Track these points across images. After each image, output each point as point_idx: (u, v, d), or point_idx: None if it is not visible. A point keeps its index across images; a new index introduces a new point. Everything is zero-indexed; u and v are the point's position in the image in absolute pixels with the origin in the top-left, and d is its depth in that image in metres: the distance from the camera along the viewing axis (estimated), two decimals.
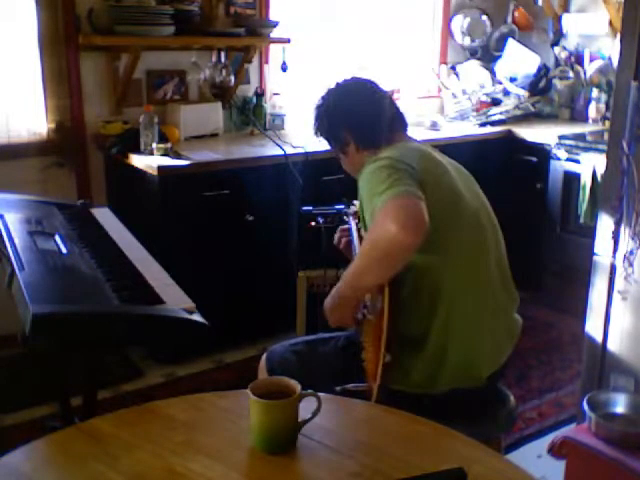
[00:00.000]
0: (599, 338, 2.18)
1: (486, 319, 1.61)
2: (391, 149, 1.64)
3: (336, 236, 1.97)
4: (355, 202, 1.90)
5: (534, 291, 3.64)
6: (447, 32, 4.36)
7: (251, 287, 3.09)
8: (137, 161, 2.90)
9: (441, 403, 1.54)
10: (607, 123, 3.75)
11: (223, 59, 3.38)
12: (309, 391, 1.19)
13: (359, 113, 1.78)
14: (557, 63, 4.33)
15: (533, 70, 4.20)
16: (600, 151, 3.25)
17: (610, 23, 4.02)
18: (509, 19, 4.45)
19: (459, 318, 1.57)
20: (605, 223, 2.11)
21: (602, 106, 4.00)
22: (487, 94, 4.20)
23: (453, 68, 4.37)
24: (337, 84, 1.82)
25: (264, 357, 1.87)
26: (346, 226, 1.95)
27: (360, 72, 2.95)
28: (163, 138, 2.99)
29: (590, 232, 2.34)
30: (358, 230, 1.86)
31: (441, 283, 1.55)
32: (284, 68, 3.56)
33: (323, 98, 1.82)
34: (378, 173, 1.49)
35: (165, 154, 2.87)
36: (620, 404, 1.91)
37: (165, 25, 2.98)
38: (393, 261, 1.41)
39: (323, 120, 1.80)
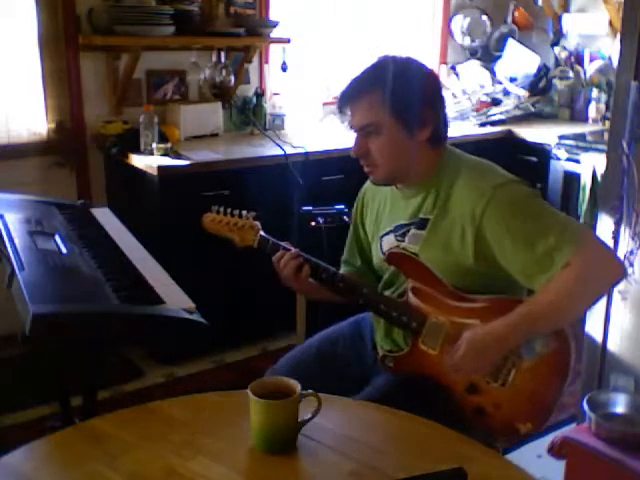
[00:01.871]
0: (599, 338, 2.17)
1: None
2: (487, 165, 1.66)
3: (286, 267, 1.64)
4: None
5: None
6: (447, 32, 4.36)
7: (251, 287, 3.08)
8: (137, 161, 2.89)
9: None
10: (607, 123, 3.74)
11: (223, 59, 3.38)
12: (309, 391, 1.19)
13: (441, 99, 1.56)
14: (557, 63, 4.33)
15: (533, 70, 4.20)
16: (600, 151, 3.25)
17: (610, 23, 4.02)
18: (509, 19, 4.45)
19: None
20: (605, 223, 2.10)
21: (602, 106, 4.00)
22: (487, 94, 4.20)
23: (453, 68, 4.37)
24: (408, 58, 1.53)
25: None
26: (294, 250, 1.67)
27: None
28: (163, 138, 2.99)
29: None
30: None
31: None
32: (284, 68, 3.56)
33: (393, 62, 1.51)
34: (532, 205, 1.49)
35: (165, 154, 2.87)
36: (620, 404, 1.90)
37: (165, 25, 2.98)
38: (598, 299, 1.49)
39: (403, 86, 1.47)
